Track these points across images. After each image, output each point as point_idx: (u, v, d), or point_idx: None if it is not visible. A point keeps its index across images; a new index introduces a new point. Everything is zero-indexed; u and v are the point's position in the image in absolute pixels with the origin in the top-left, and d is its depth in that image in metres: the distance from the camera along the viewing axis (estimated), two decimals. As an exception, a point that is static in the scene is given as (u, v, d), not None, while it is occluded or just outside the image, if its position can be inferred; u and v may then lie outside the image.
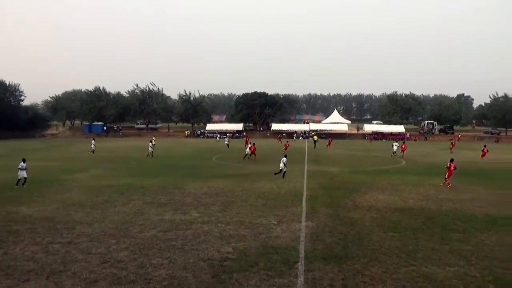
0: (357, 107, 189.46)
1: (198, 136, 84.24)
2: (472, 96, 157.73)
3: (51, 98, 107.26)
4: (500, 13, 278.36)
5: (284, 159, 25.52)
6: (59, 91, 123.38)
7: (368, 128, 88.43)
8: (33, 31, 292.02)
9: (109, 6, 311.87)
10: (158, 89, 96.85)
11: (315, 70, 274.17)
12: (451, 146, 48.97)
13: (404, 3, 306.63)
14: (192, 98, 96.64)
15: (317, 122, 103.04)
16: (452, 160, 22.99)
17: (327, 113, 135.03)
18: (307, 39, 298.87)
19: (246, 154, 36.29)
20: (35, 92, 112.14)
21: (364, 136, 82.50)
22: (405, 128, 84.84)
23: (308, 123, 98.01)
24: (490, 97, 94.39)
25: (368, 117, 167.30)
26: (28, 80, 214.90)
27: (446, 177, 22.13)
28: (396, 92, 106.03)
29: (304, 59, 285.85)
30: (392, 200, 17.86)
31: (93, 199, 17.71)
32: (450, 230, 12.87)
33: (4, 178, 23.23)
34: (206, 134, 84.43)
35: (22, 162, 20.91)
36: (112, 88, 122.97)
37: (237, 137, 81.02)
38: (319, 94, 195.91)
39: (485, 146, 40.71)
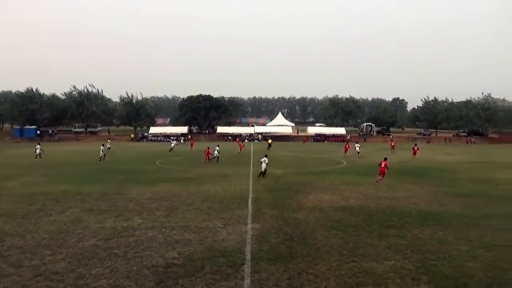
0: (301, 110, 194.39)
1: (141, 139, 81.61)
2: (406, 100, 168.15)
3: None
4: (430, 26, 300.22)
5: (265, 159, 26.08)
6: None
7: (311, 130, 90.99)
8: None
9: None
10: (98, 91, 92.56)
11: (260, 73, 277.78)
12: (391, 147, 51.15)
13: (342, 13, 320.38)
14: (134, 100, 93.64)
15: (262, 125, 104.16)
16: (385, 159, 24.83)
17: (272, 116, 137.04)
18: (251, 43, 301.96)
19: (215, 156, 36.31)
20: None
21: (307, 138, 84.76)
22: (346, 130, 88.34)
23: (253, 126, 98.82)
24: (422, 100, 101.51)
25: (311, 119, 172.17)
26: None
27: (380, 174, 23.79)
28: (337, 96, 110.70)
29: (249, 62, 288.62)
30: (334, 199, 18.50)
31: (26, 208, 16.49)
32: (387, 227, 13.57)
33: None
34: (149, 138, 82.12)
35: None
36: (46, 89, 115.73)
37: (184, 140, 79.78)
38: (264, 97, 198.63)
39: (415, 145, 44.59)
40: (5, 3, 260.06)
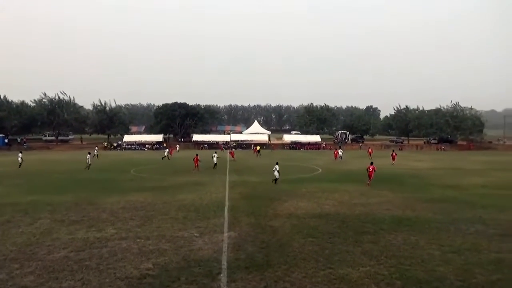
0: (277, 118, 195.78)
1: (114, 148, 79.90)
2: (379, 108, 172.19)
3: None
4: (399, 35, 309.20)
5: (277, 166, 26.88)
6: None
7: (287, 138, 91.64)
8: None
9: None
10: (70, 98, 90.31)
11: (236, 82, 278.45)
12: (369, 154, 52.55)
13: (315, 24, 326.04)
14: (108, 108, 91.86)
15: (238, 133, 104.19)
16: (371, 163, 27.11)
17: (248, 124, 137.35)
18: (226, 52, 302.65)
19: (215, 163, 38.02)
20: None
21: (284, 146, 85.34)
22: (321, 138, 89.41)
23: (229, 133, 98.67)
24: (394, 109, 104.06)
25: (287, 127, 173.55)
26: None
27: (370, 178, 26.00)
28: (312, 104, 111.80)
29: (225, 70, 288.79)
30: (310, 206, 18.63)
31: (-8, 220, 15.82)
32: (362, 233, 13.76)
33: None
34: (123, 146, 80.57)
35: None
36: (15, 96, 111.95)
37: (156, 149, 78.77)
38: (239, 105, 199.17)
39: (393, 151, 47.82)
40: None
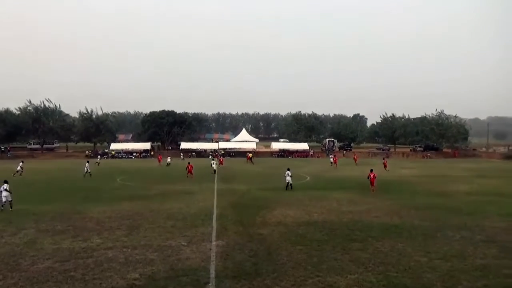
0: (265, 126, 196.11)
1: (101, 156, 78.82)
2: (366, 116, 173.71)
3: None
4: (385, 43, 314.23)
5: (289, 172, 27.48)
6: None
7: (275, 146, 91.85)
8: None
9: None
10: (55, 106, 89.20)
11: (224, 90, 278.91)
12: (354, 160, 57.83)
13: (303, 32, 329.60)
14: (94, 116, 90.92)
15: (226, 141, 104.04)
16: (371, 170, 27.69)
17: (236, 132, 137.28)
18: (214, 59, 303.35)
19: (215, 170, 40.03)
20: None
21: (272, 153, 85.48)
22: (308, 146, 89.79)
23: (217, 141, 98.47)
24: (380, 117, 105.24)
25: (275, 135, 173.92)
26: None
27: (372, 184, 26.65)
28: (300, 112, 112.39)
29: (213, 78, 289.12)
30: (299, 214, 18.63)
31: (-26, 230, 15.44)
32: (350, 240, 13.80)
33: None
34: (112, 154, 79.48)
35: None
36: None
37: (144, 156, 78.13)
38: (227, 113, 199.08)
39: (383, 158, 51.10)
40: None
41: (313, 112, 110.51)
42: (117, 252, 12.41)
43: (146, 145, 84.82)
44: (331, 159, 54.47)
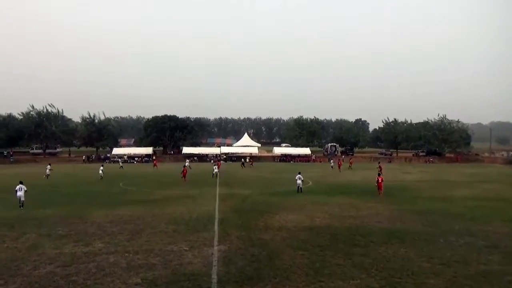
0: (267, 131, 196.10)
1: (103, 160, 78.86)
2: (368, 121, 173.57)
3: None
4: (389, 51, 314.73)
5: (300, 175, 28.16)
6: None
7: (277, 150, 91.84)
8: None
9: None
10: (58, 111, 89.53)
11: (226, 94, 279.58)
12: (350, 164, 60.43)
13: (302, 39, 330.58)
14: (96, 120, 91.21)
15: (228, 145, 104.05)
16: (379, 174, 28.96)
17: (238, 137, 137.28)
18: (216, 62, 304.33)
19: (216, 173, 41.60)
20: None
21: (274, 158, 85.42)
22: (310, 150, 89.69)
23: (219, 146, 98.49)
24: (383, 122, 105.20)
25: (277, 140, 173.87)
26: None
27: (380, 189, 27.36)
28: (302, 117, 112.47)
29: (215, 82, 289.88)
30: (301, 219, 18.58)
31: (-24, 234, 15.45)
32: (352, 245, 13.74)
33: None
34: (115, 159, 79.43)
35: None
36: (2, 109, 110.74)
37: (146, 161, 78.17)
38: (229, 117, 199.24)
39: (379, 163, 52.44)
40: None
41: (315, 117, 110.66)
42: (119, 256, 12.39)
43: (148, 150, 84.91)
44: (331, 164, 56.94)
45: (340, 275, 10.62)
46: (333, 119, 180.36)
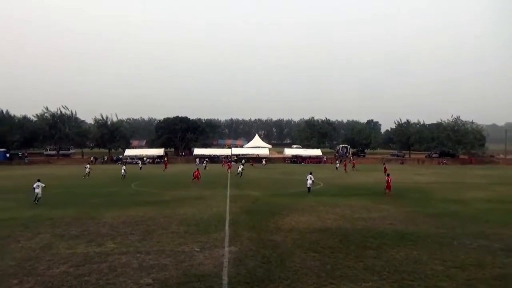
0: (277, 132, 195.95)
1: (115, 162, 79.71)
2: (380, 122, 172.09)
3: None
4: (401, 52, 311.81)
5: (311, 176, 28.58)
6: None
7: (288, 152, 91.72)
8: None
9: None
10: (72, 112, 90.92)
11: (237, 95, 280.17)
12: (352, 165, 62.90)
13: (314, 44, 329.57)
14: (109, 122, 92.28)
15: (239, 147, 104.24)
16: (388, 175, 29.52)
17: (249, 138, 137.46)
18: (229, 66, 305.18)
19: (240, 172, 43.81)
20: None
21: (284, 159, 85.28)
22: (321, 152, 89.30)
23: (230, 147, 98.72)
24: (395, 123, 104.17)
25: (288, 141, 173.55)
26: None
27: (389, 189, 28.27)
28: (313, 118, 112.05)
29: (226, 85, 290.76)
30: (312, 221, 18.49)
31: (-9, 234, 15.74)
32: (364, 248, 13.62)
33: None
34: (127, 160, 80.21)
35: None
36: (17, 111, 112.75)
37: (157, 162, 78.70)
38: (240, 119, 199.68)
39: (384, 164, 55.26)
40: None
41: (326, 118, 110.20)
42: (130, 257, 12.50)
43: (160, 151, 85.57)
44: (337, 165, 60.98)
45: (352, 278, 10.54)
46: (345, 120, 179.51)
